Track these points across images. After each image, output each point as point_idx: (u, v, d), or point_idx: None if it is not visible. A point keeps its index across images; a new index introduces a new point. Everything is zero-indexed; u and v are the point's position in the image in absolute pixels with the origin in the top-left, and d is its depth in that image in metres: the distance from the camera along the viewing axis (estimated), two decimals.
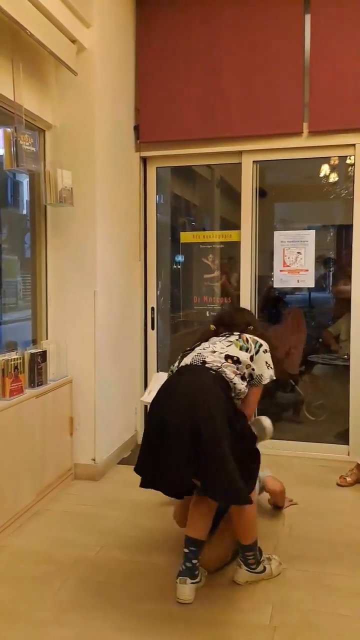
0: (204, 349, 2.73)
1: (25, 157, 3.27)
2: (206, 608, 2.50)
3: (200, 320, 4.87)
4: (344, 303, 4.62)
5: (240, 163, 4.54)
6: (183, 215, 6.04)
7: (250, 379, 2.68)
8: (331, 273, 5.78)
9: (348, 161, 4.58)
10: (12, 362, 3.31)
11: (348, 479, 3.96)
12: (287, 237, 4.54)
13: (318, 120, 4.23)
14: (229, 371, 2.58)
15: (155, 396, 2.62)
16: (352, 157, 4.38)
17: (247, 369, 2.65)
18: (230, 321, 2.96)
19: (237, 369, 2.61)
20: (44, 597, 2.61)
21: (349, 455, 4.40)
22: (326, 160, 4.90)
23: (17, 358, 3.38)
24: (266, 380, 2.72)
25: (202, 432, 2.33)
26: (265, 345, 2.76)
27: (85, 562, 2.92)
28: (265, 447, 3.83)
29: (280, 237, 4.56)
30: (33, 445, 3.46)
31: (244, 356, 2.66)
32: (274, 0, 4.24)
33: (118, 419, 4.43)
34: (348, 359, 4.47)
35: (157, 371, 4.57)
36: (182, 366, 2.70)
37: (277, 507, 3.48)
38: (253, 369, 2.68)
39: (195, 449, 2.33)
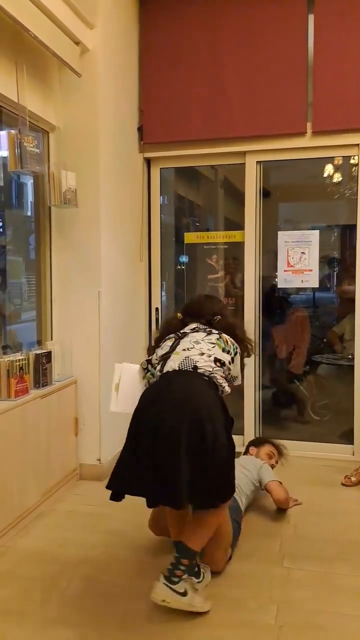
0: (188, 349, 2.61)
1: (30, 158, 3.28)
2: (211, 607, 2.51)
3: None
4: (348, 303, 4.61)
5: (244, 163, 4.54)
6: (187, 215, 6.04)
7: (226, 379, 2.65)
8: (335, 273, 5.78)
9: (352, 161, 4.58)
10: (17, 363, 3.32)
11: (353, 478, 3.96)
12: (291, 238, 4.54)
13: (322, 120, 4.23)
14: (219, 376, 2.56)
15: (143, 403, 2.53)
16: (356, 157, 4.38)
17: (227, 371, 2.63)
18: (198, 311, 2.89)
19: (223, 372, 2.59)
20: (50, 596, 2.62)
21: (353, 455, 4.40)
22: (330, 160, 4.89)
23: (22, 359, 3.39)
24: (238, 383, 2.74)
25: (206, 436, 2.31)
26: (239, 350, 2.74)
27: (91, 562, 2.92)
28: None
29: (284, 238, 4.56)
30: (38, 446, 3.47)
31: (227, 359, 2.62)
32: (277, 0, 4.24)
33: (123, 419, 4.41)
34: (352, 359, 4.46)
35: None
36: (169, 371, 2.57)
37: (281, 508, 3.48)
38: (230, 371, 2.65)
39: (196, 454, 2.31)
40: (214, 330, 2.73)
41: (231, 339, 2.72)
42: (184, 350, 2.61)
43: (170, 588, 2.37)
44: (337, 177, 5.09)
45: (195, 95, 4.43)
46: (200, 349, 2.60)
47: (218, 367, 2.56)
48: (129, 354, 4.51)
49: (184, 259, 5.26)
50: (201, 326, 2.77)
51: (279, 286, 4.79)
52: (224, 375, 2.59)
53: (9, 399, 3.24)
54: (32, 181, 3.97)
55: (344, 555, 2.98)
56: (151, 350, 2.87)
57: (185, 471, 2.29)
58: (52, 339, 3.99)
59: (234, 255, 4.90)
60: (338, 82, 4.17)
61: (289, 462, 3.88)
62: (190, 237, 5.13)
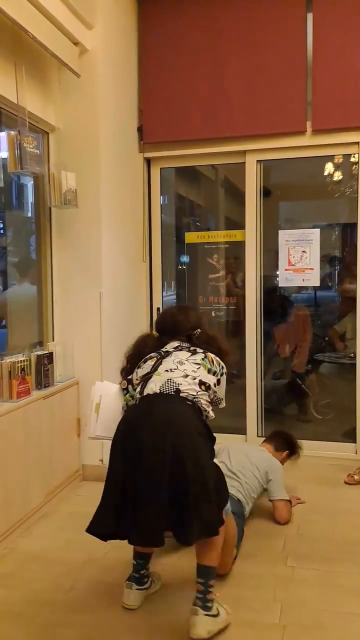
0: (171, 370, 2.40)
1: (30, 159, 3.27)
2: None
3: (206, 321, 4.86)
4: (350, 302, 4.61)
5: (244, 163, 4.54)
6: (187, 215, 6.04)
7: (210, 402, 2.46)
8: (336, 272, 5.77)
9: (352, 159, 4.58)
10: (19, 364, 3.32)
11: (356, 477, 3.95)
12: (292, 236, 4.54)
13: (321, 118, 4.23)
14: (204, 401, 2.37)
15: (120, 434, 2.32)
16: (356, 155, 4.38)
17: (213, 394, 2.45)
18: (173, 327, 2.64)
19: (208, 396, 2.41)
20: (54, 598, 2.62)
21: (356, 453, 4.40)
22: (330, 158, 4.89)
23: (24, 360, 3.39)
24: (222, 406, 2.56)
25: (187, 471, 2.15)
26: (225, 369, 2.53)
27: (94, 563, 2.92)
28: None
29: (285, 236, 4.56)
30: (41, 447, 3.46)
31: (212, 381, 2.43)
32: None
33: None
34: (354, 357, 4.46)
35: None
36: (150, 394, 2.36)
37: None
38: (216, 393, 2.47)
39: (178, 490, 2.15)
40: (198, 350, 2.51)
41: (217, 358, 2.51)
42: (166, 371, 2.40)
43: (210, 616, 2.28)
44: (338, 176, 5.08)
45: (195, 94, 4.43)
46: (184, 370, 2.39)
47: (203, 391, 2.37)
48: None
49: (184, 258, 5.25)
50: (184, 344, 2.55)
51: (280, 285, 4.79)
52: (208, 400, 2.40)
53: (11, 400, 3.24)
54: (32, 182, 3.97)
55: (347, 554, 2.97)
56: (124, 370, 2.66)
57: (168, 511, 2.16)
58: (53, 340, 3.99)
59: (234, 254, 4.90)
60: (337, 81, 4.17)
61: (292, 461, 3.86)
62: (191, 237, 5.13)
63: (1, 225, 4.12)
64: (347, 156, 4.65)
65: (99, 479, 3.92)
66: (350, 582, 2.72)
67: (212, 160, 4.86)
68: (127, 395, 2.55)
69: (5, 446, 3.10)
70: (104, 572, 2.83)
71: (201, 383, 2.38)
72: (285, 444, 3.71)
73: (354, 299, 4.40)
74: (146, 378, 2.43)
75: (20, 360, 3.34)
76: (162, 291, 4.87)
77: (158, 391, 2.35)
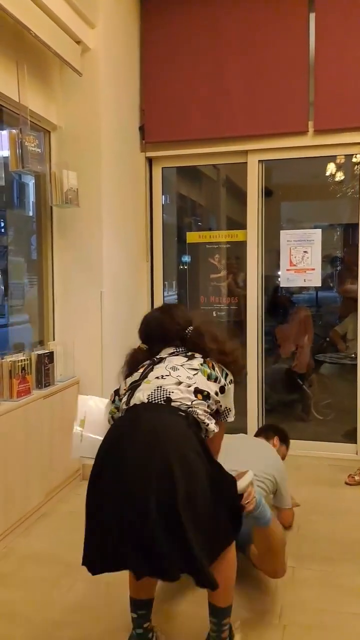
0: (162, 377, 2.09)
1: (31, 158, 3.27)
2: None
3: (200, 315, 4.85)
4: (351, 302, 4.61)
5: (246, 162, 4.53)
6: (189, 215, 6.04)
7: (216, 414, 2.14)
8: (338, 272, 5.77)
9: (354, 159, 4.57)
10: (20, 364, 3.31)
11: (356, 477, 3.95)
12: (294, 236, 4.53)
13: (323, 118, 4.22)
14: (201, 411, 2.03)
15: (103, 452, 2.03)
16: (358, 156, 4.37)
17: (215, 404, 2.12)
18: (162, 332, 2.31)
19: (207, 406, 2.07)
20: (53, 598, 2.61)
21: (357, 454, 4.39)
22: (332, 159, 4.88)
23: (25, 359, 3.38)
24: (231, 418, 2.23)
25: (177, 500, 1.79)
26: (231, 375, 2.22)
27: None
28: None
29: (286, 237, 4.55)
30: (41, 446, 3.46)
31: (213, 389, 2.11)
32: None
33: None
34: (355, 358, 4.46)
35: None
36: (137, 405, 2.04)
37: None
38: (220, 404, 2.15)
39: (169, 522, 1.80)
40: (196, 354, 2.21)
41: (219, 365, 2.20)
42: (157, 378, 2.09)
43: None
44: (340, 176, 5.08)
45: (197, 94, 4.43)
46: (177, 376, 2.08)
47: (199, 400, 2.04)
48: None
49: (186, 258, 5.25)
50: (180, 349, 2.25)
51: (281, 285, 4.78)
52: (208, 411, 2.06)
53: (11, 399, 3.24)
54: (33, 181, 3.97)
55: (348, 555, 2.97)
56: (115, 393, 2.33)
57: (165, 541, 1.81)
58: (54, 340, 3.98)
59: (236, 254, 4.89)
60: (339, 81, 4.16)
61: (292, 462, 3.85)
62: (192, 237, 5.13)
63: (2, 224, 4.12)
64: (349, 156, 4.65)
65: None
66: (350, 582, 2.71)
67: (213, 160, 4.86)
68: (112, 407, 2.28)
69: (5, 446, 3.09)
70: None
71: (197, 391, 2.05)
72: (285, 438, 3.65)
73: (355, 300, 4.39)
74: (134, 386, 2.12)
75: (21, 360, 3.34)
76: (164, 291, 4.87)
77: (146, 400, 2.03)
